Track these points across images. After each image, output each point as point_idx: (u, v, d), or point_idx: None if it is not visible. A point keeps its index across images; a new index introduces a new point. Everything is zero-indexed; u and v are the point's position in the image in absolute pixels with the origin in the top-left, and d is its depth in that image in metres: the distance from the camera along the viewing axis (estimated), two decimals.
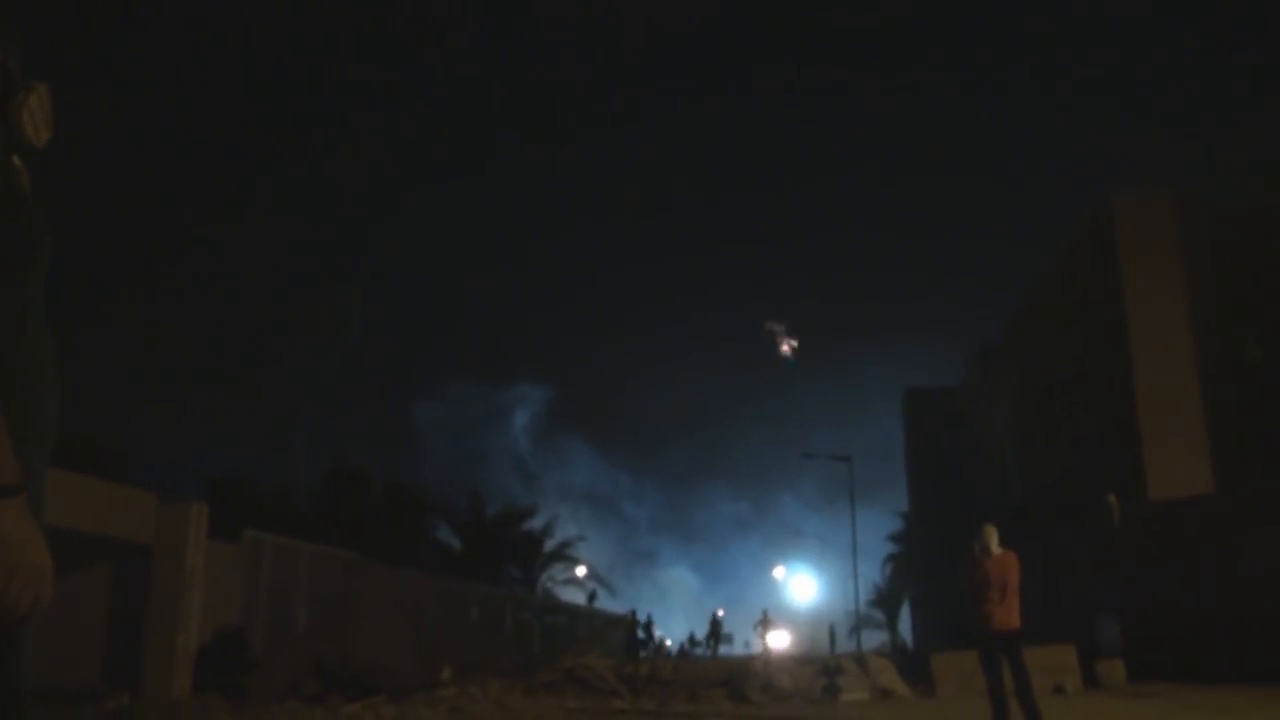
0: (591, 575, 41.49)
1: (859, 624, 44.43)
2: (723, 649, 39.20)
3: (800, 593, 63.56)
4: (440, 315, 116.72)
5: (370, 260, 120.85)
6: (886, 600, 51.69)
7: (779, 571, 66.54)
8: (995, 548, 9.84)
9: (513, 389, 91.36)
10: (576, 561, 40.33)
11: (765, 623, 35.72)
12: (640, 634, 35.36)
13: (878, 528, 51.23)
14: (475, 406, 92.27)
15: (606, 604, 41.12)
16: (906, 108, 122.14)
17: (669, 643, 49.94)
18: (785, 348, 52.99)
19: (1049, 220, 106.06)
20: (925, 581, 43.75)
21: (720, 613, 41.72)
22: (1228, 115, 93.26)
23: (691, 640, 48.17)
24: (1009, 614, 9.64)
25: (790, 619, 49.17)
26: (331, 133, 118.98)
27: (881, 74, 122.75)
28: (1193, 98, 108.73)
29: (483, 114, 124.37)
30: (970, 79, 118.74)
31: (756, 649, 36.57)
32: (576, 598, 39.26)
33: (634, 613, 36.27)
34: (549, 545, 38.96)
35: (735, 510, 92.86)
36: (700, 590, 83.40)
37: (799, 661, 17.93)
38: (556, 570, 39.37)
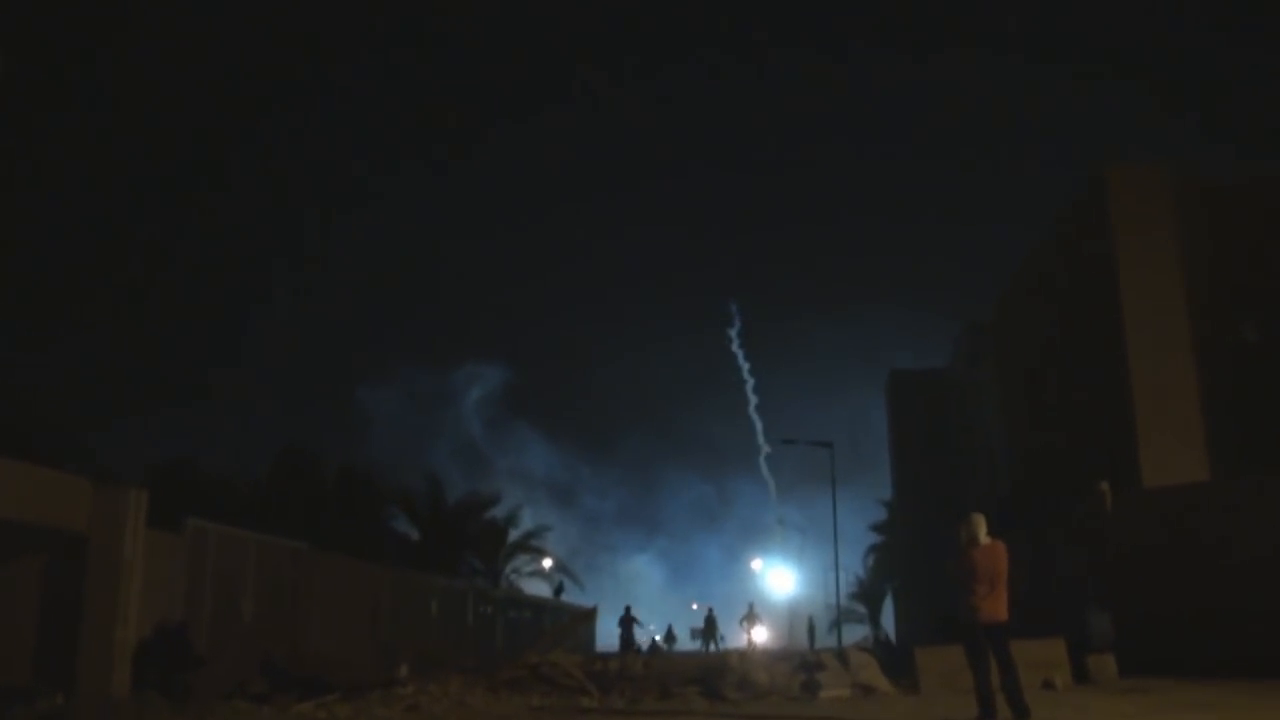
0: (558, 567, 40.49)
1: (840, 618, 43.80)
2: (697, 644, 38.69)
3: (778, 585, 62.49)
4: (389, 300, 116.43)
5: (320, 241, 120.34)
6: (869, 592, 50.83)
7: (756, 564, 65.82)
8: (983, 537, 9.57)
9: (463, 369, 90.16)
10: (542, 553, 39.33)
11: (751, 617, 35.22)
12: (622, 628, 34.58)
13: (853, 515, 50.59)
14: (423, 389, 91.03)
15: (576, 597, 40.12)
16: (889, 80, 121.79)
17: (657, 638, 49.19)
18: None
19: (1040, 197, 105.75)
20: (910, 573, 43.14)
21: (695, 606, 41.20)
22: (1227, 90, 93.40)
23: (669, 636, 47.69)
24: (997, 606, 9.37)
25: (768, 612, 48.42)
26: (281, 116, 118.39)
27: (861, 45, 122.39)
28: (1192, 72, 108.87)
29: (435, 95, 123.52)
30: (961, 49, 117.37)
31: (732, 643, 36.04)
32: (543, 590, 38.29)
33: (628, 609, 35.33)
34: (513, 536, 37.97)
35: (701, 500, 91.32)
36: (665, 583, 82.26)
37: (776, 657, 17.31)
38: (521, 562, 38.40)
